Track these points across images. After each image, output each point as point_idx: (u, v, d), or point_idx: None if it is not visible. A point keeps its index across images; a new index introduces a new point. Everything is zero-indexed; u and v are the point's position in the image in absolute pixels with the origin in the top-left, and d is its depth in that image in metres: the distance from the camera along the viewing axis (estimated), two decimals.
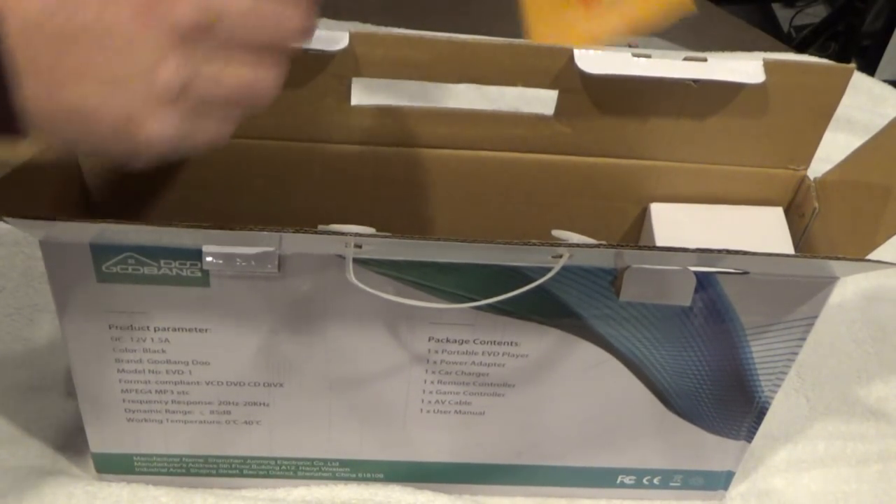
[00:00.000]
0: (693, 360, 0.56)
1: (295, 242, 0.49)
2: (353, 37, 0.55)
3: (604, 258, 0.50)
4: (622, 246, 0.49)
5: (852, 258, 0.52)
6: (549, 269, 0.50)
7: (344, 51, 0.55)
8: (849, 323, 0.79)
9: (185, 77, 0.38)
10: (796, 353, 0.56)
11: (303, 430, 0.59)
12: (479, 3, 1.05)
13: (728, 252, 0.49)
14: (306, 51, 0.54)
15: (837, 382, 0.75)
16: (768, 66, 0.57)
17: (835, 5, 2.13)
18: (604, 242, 0.50)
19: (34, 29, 0.36)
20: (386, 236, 0.48)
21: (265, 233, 0.47)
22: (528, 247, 0.48)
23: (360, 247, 0.48)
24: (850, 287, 0.82)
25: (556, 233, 0.52)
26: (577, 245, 0.49)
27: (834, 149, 0.61)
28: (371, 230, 0.50)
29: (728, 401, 0.59)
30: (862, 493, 0.67)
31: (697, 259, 0.50)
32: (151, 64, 0.37)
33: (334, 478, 0.62)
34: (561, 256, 0.49)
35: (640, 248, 0.49)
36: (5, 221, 0.46)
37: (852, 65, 0.57)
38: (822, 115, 0.59)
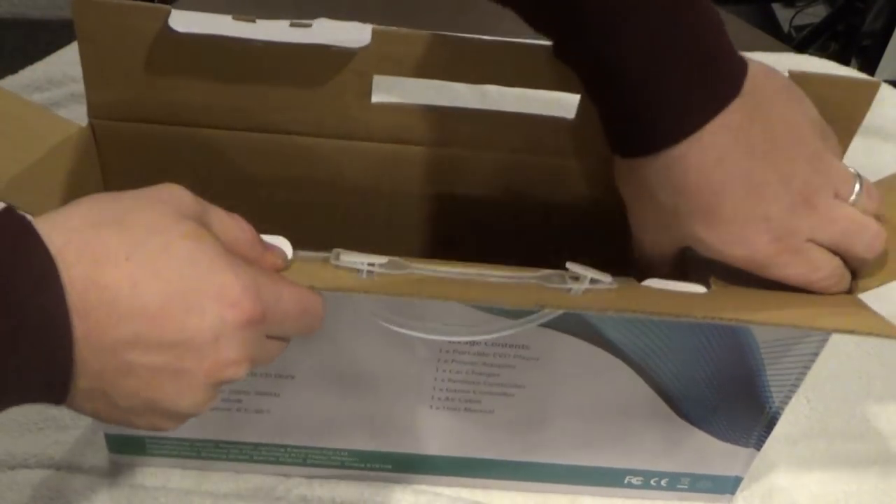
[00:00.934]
0: (704, 370, 0.56)
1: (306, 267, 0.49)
2: (375, 33, 0.55)
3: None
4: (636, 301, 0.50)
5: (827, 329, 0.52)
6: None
7: (366, 48, 0.54)
8: None
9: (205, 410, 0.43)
10: (808, 368, 0.56)
11: (312, 421, 0.59)
12: (480, 2, 1.05)
13: (739, 321, 0.50)
14: (328, 47, 0.54)
15: (837, 382, 0.75)
16: (793, 78, 0.55)
17: (835, 5, 2.13)
18: (613, 285, 0.50)
19: (98, 349, 0.39)
20: (399, 269, 0.48)
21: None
22: (543, 287, 0.48)
23: (372, 272, 0.48)
24: None
25: (571, 266, 0.51)
26: (592, 283, 0.49)
27: None
28: (384, 259, 0.49)
29: (738, 410, 0.59)
30: (862, 493, 0.67)
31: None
32: (200, 404, 0.42)
33: (343, 466, 0.62)
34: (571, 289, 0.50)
35: (650, 293, 0.49)
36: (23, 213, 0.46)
37: (878, 80, 0.57)
38: (846, 129, 0.58)
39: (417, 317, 0.52)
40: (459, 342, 0.54)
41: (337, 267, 0.47)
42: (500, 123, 0.60)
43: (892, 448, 0.71)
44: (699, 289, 0.51)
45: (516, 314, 0.52)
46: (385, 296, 0.47)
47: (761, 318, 0.50)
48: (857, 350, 0.78)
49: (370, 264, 0.47)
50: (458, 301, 0.51)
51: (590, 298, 0.49)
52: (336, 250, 0.48)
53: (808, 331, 0.54)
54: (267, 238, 0.47)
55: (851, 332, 0.50)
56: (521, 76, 0.57)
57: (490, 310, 0.52)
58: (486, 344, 0.55)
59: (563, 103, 0.59)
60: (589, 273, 0.49)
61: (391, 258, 0.48)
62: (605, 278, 0.49)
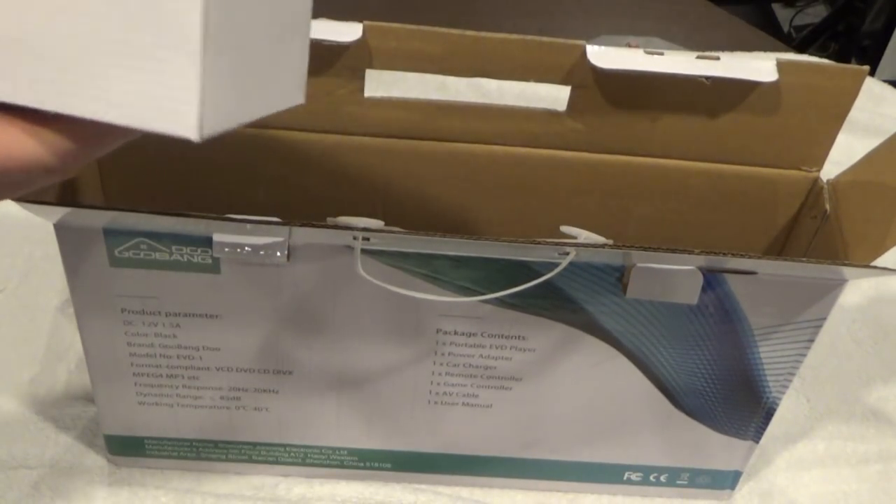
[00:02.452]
0: (701, 359, 0.56)
1: (304, 234, 0.49)
2: (366, 28, 0.55)
3: (610, 256, 0.50)
4: (628, 247, 0.49)
5: (859, 265, 0.52)
6: (557, 265, 0.50)
7: (358, 42, 0.55)
8: (849, 323, 0.80)
9: None
10: (804, 355, 0.56)
11: (311, 418, 0.59)
12: (482, 2, 1.05)
13: (734, 255, 0.49)
14: (320, 42, 0.54)
15: (837, 382, 0.75)
16: (781, 66, 0.57)
17: (835, 5, 2.14)
18: (610, 242, 0.50)
19: None
20: (394, 231, 0.48)
21: (275, 226, 0.48)
22: (535, 246, 0.48)
23: (367, 239, 0.49)
24: (851, 287, 0.82)
25: (565, 229, 0.52)
26: (584, 245, 0.49)
27: (833, 148, 0.61)
28: (380, 223, 0.50)
29: (736, 400, 0.59)
30: (862, 493, 0.67)
31: (704, 261, 0.51)
32: None
33: (342, 466, 0.62)
34: (568, 254, 0.50)
35: (646, 249, 0.49)
36: (21, 205, 0.46)
37: (866, 67, 0.57)
38: (834, 116, 0.59)
39: (412, 288, 0.52)
40: (457, 329, 0.55)
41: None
42: (491, 116, 0.60)
43: (891, 447, 0.71)
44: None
45: (514, 279, 0.52)
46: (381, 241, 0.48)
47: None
48: (857, 350, 0.78)
49: (365, 229, 0.48)
50: (452, 252, 0.51)
51: (584, 249, 0.49)
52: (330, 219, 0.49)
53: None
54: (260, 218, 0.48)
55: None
56: (512, 70, 0.57)
57: (482, 283, 0.52)
58: (482, 335, 0.55)
59: (555, 96, 0.59)
60: (583, 232, 0.49)
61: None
62: (599, 238, 0.50)
